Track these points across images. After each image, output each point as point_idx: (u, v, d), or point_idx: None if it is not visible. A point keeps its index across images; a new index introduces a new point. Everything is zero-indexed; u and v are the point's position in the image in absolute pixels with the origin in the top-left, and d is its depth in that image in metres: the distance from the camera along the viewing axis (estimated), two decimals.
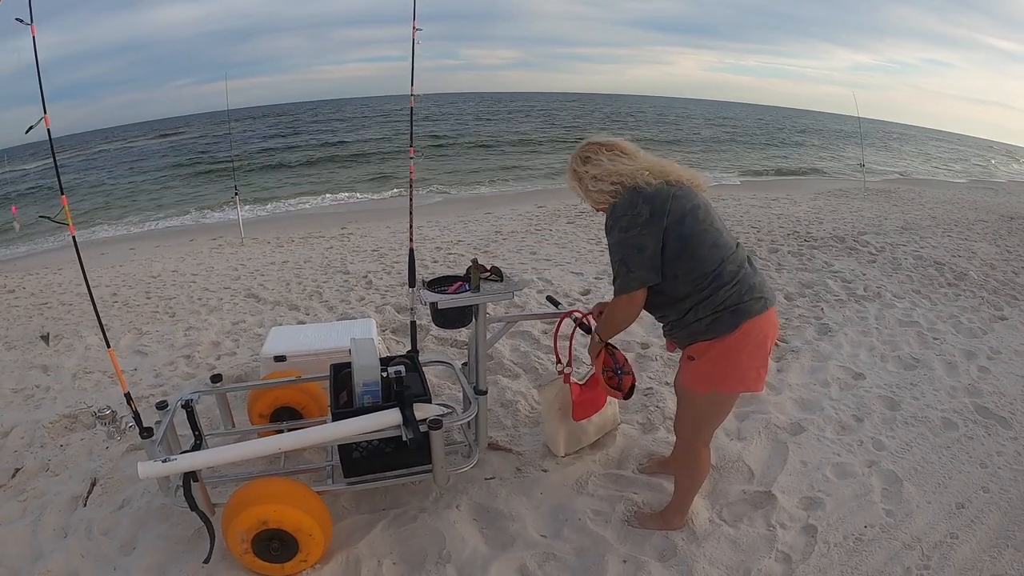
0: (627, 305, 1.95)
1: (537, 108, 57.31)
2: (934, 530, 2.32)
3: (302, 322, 4.69)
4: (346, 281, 5.82)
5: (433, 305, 2.24)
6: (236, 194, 9.10)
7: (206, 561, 2.07)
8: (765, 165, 21.55)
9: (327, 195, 14.75)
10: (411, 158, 2.88)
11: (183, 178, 19.13)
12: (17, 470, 2.79)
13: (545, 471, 2.63)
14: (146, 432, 2.09)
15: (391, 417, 2.10)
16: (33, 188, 17.67)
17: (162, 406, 2.34)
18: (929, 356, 3.87)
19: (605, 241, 2.03)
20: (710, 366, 1.95)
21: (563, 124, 37.04)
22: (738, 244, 1.98)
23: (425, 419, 2.13)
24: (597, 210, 2.09)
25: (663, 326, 2.09)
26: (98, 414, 3.19)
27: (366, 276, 5.93)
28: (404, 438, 2.09)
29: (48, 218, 2.02)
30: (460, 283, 2.31)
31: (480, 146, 24.46)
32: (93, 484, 2.62)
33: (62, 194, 1.98)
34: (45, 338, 4.69)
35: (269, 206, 13.56)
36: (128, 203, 15.53)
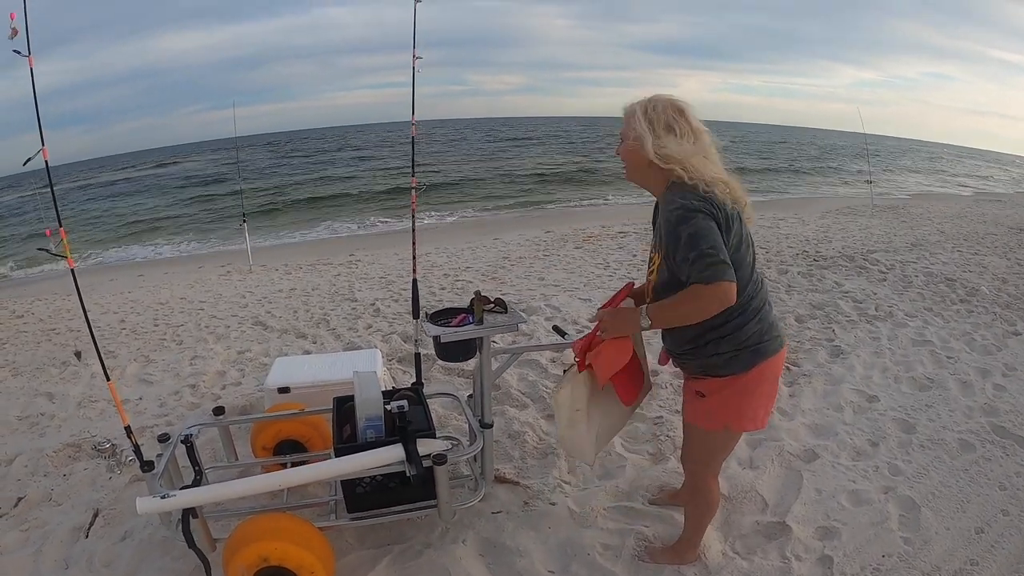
0: (714, 295, 1.60)
1: (550, 133, 56.76)
2: (953, 557, 2.25)
3: (308, 351, 4.68)
4: (354, 309, 5.81)
5: (436, 339, 2.21)
6: (244, 222, 9.19)
7: None
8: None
9: (335, 222, 14.89)
10: (413, 188, 2.87)
11: (192, 206, 19.35)
12: (20, 499, 2.77)
13: (553, 504, 2.57)
14: (147, 465, 2.06)
15: (394, 453, 2.06)
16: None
17: (164, 438, 2.32)
18: (943, 375, 3.80)
19: (652, 242, 1.88)
20: (723, 405, 1.89)
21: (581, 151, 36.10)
22: (762, 280, 1.89)
23: (429, 454, 2.09)
24: (628, 166, 1.87)
25: (677, 353, 1.97)
26: (98, 447, 3.18)
27: (374, 304, 5.91)
28: (408, 474, 2.05)
29: (46, 251, 2.02)
30: (464, 315, 2.28)
31: (502, 175, 23.87)
32: (95, 515, 2.60)
33: (60, 226, 1.98)
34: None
35: (277, 233, 13.68)
36: (137, 230, 15.74)
